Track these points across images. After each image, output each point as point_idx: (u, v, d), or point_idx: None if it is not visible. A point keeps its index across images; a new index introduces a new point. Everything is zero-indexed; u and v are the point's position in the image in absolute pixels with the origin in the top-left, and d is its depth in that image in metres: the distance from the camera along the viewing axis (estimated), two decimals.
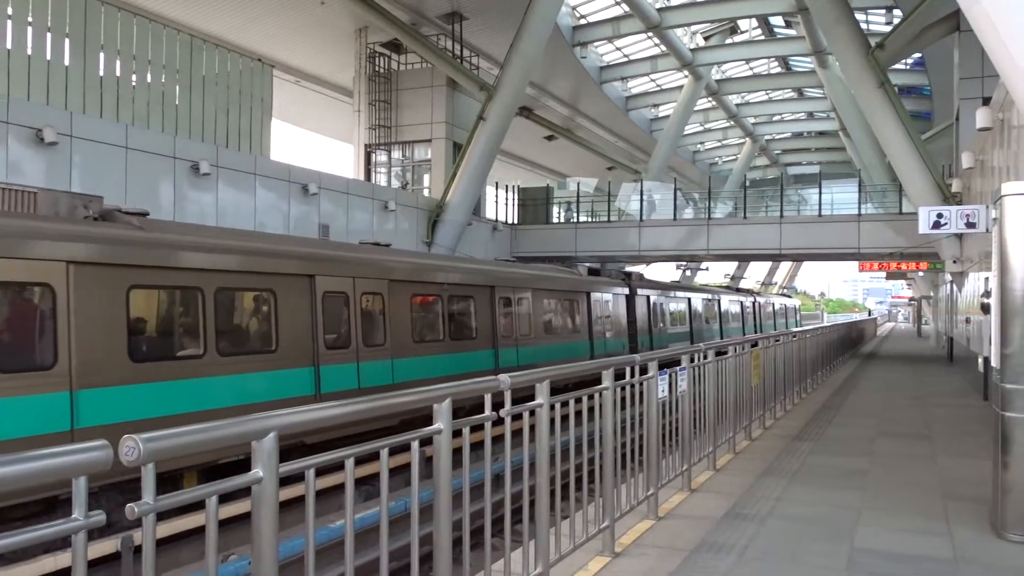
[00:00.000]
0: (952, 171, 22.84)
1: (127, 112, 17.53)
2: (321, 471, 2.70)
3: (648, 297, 25.14)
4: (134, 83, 17.99)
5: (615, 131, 43.46)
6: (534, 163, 46.85)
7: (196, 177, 17.04)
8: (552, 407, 4.38)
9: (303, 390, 10.66)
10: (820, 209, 27.66)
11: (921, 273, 35.70)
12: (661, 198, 31.81)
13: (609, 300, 21.73)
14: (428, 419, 3.44)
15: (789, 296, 63.81)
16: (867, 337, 46.06)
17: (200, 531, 7.91)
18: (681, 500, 6.73)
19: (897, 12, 27.87)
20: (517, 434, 4.27)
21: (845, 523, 6.10)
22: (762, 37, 37.60)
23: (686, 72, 37.70)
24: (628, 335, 22.85)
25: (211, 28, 25.59)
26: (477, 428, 3.78)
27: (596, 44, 34.76)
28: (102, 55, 17.20)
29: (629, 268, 32.56)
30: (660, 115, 44.54)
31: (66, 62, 16.41)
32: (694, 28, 36.11)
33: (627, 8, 31.02)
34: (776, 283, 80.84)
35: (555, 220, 32.44)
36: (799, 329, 19.63)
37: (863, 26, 26.54)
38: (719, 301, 34.16)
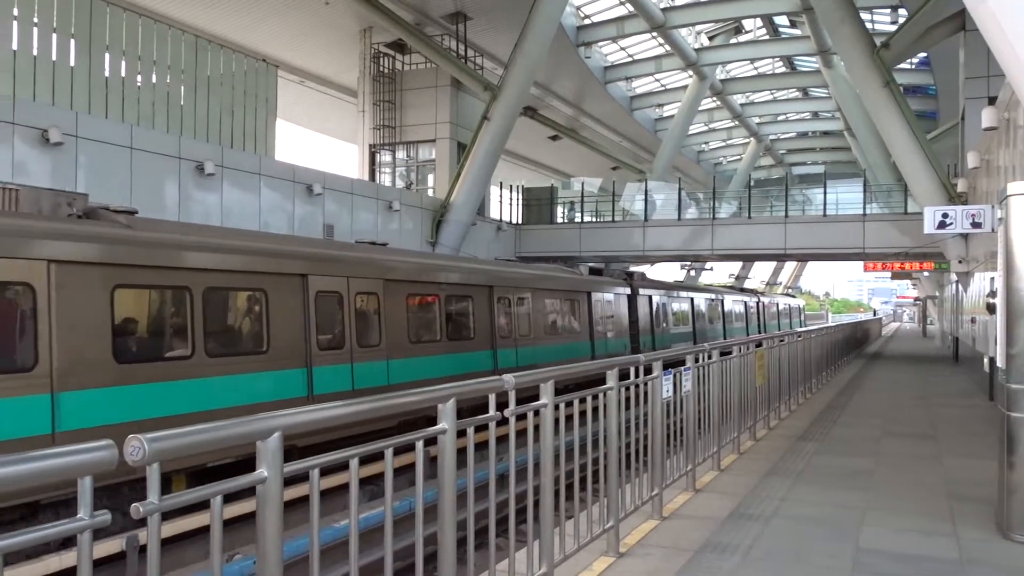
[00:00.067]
0: (957, 171, 22.79)
1: (132, 112, 17.58)
2: (325, 471, 2.70)
3: (650, 297, 25.02)
4: (139, 83, 18.04)
5: (619, 131, 43.43)
6: (538, 163, 46.84)
7: (201, 177, 17.07)
8: (556, 407, 4.38)
9: (295, 391, 10.48)
10: (825, 209, 27.60)
11: (926, 273, 35.66)
12: (664, 198, 31.75)
13: (611, 300, 21.58)
14: (427, 420, 3.44)
15: (793, 296, 63.68)
16: (872, 337, 45.98)
17: (204, 531, 7.93)
18: (686, 500, 6.72)
19: (902, 11, 27.82)
20: (521, 434, 4.27)
21: (850, 523, 6.08)
22: (767, 37, 37.56)
23: (690, 72, 37.67)
24: (630, 335, 22.71)
25: (216, 29, 25.63)
26: (481, 428, 3.78)
27: (600, 44, 34.75)
28: (107, 55, 17.25)
29: (633, 268, 32.52)
30: (664, 115, 44.51)
31: (71, 62, 16.46)
32: (698, 28, 36.07)
33: (631, 8, 31.01)
34: (781, 283, 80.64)
35: (559, 220, 32.42)
36: (804, 329, 19.59)
37: (868, 25, 26.47)
38: (722, 301, 34.05)
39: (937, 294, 46.65)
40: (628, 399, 5.57)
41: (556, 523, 4.41)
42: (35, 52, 15.84)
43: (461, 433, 3.52)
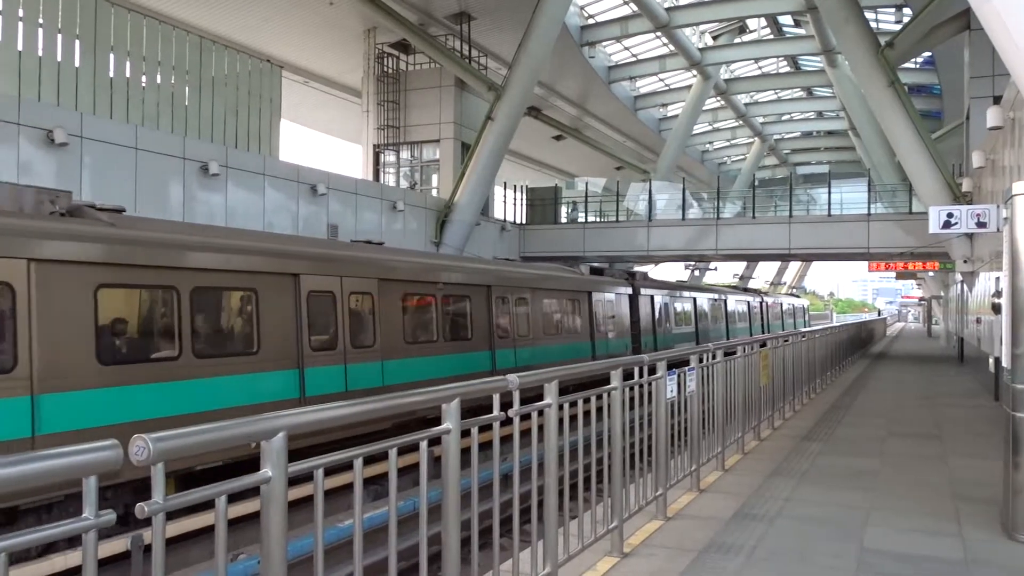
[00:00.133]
0: (962, 170, 22.75)
1: (137, 113, 17.62)
2: (329, 471, 2.70)
3: (652, 297, 24.90)
4: (144, 84, 18.08)
5: (623, 131, 43.40)
6: (542, 163, 46.83)
7: (205, 178, 17.09)
8: (560, 407, 4.37)
9: (287, 393, 10.29)
10: (829, 209, 27.55)
11: (931, 273, 35.58)
12: (668, 198, 31.71)
13: (612, 300, 21.40)
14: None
15: (798, 296, 63.58)
16: (877, 337, 45.91)
17: (209, 531, 7.94)
18: (690, 500, 6.71)
19: (907, 11, 27.75)
20: (525, 434, 4.27)
21: (854, 524, 6.07)
22: (771, 36, 37.51)
23: (695, 71, 37.63)
24: (631, 336, 22.55)
25: (220, 29, 25.67)
26: (485, 428, 3.78)
27: (604, 44, 34.71)
28: (112, 56, 17.29)
29: (637, 268, 32.48)
30: (669, 115, 44.48)
31: (76, 63, 16.50)
32: (703, 27, 36.02)
33: (635, 8, 30.98)
34: (785, 283, 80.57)
35: (563, 220, 32.42)
36: (808, 329, 19.56)
37: (872, 25, 26.42)
38: (725, 301, 33.96)
39: (942, 294, 46.57)
40: (632, 399, 5.57)
41: (560, 523, 4.41)
42: (40, 52, 15.88)
43: (464, 433, 3.52)
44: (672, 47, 34.70)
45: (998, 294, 9.82)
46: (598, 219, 32.25)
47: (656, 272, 36.64)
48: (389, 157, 29.14)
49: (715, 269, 46.97)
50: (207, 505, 2.27)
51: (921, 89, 37.08)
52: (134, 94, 17.69)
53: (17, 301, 7.44)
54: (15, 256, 7.43)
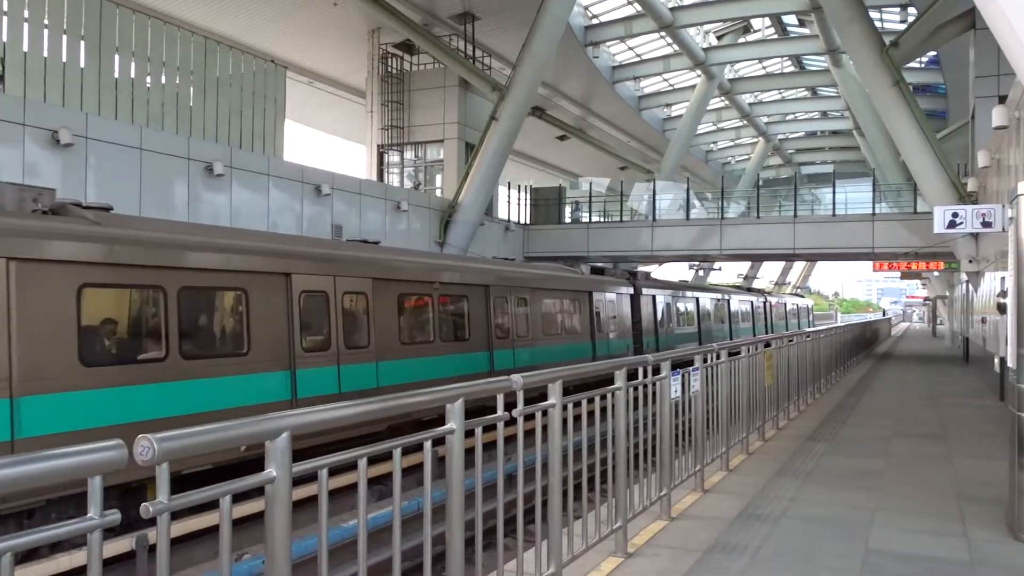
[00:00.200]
0: (968, 170, 22.68)
1: (142, 113, 17.65)
2: (333, 471, 2.71)
3: (654, 297, 24.80)
4: (148, 85, 18.11)
5: (628, 131, 43.38)
6: (546, 163, 46.82)
7: (210, 178, 17.12)
8: (564, 407, 4.37)
9: (278, 395, 10.11)
10: (834, 209, 27.48)
11: (936, 273, 35.44)
12: (672, 198, 31.68)
13: (613, 300, 21.25)
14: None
15: (802, 296, 63.48)
16: (881, 337, 45.81)
17: (213, 530, 7.95)
18: (694, 500, 6.71)
19: (912, 10, 27.70)
20: (529, 434, 4.27)
21: (859, 524, 6.06)
22: (775, 36, 37.45)
23: (699, 71, 37.59)
24: (633, 336, 22.44)
25: (224, 30, 25.72)
26: (489, 428, 3.78)
27: (608, 44, 34.71)
28: (117, 57, 17.31)
29: (642, 268, 32.48)
30: (673, 115, 44.44)
31: (82, 64, 16.53)
32: (707, 27, 35.99)
33: (639, 8, 30.97)
34: (790, 283, 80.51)
35: (567, 220, 32.40)
36: (812, 329, 19.52)
37: (877, 24, 26.39)
38: (728, 301, 33.88)
39: (947, 294, 46.44)
40: (636, 399, 5.57)
41: (564, 523, 4.41)
42: (46, 54, 15.92)
43: (469, 433, 3.52)
44: (676, 47, 34.67)
45: (1003, 294, 9.79)
46: (602, 219, 32.22)
47: (660, 272, 36.62)
48: (393, 157, 29.16)
49: (719, 269, 46.95)
50: (211, 505, 2.27)
51: (926, 88, 37.00)
52: (139, 95, 17.72)
53: None
54: None
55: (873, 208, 26.96)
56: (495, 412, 3.80)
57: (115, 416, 8.07)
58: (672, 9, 31.45)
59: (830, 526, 6.02)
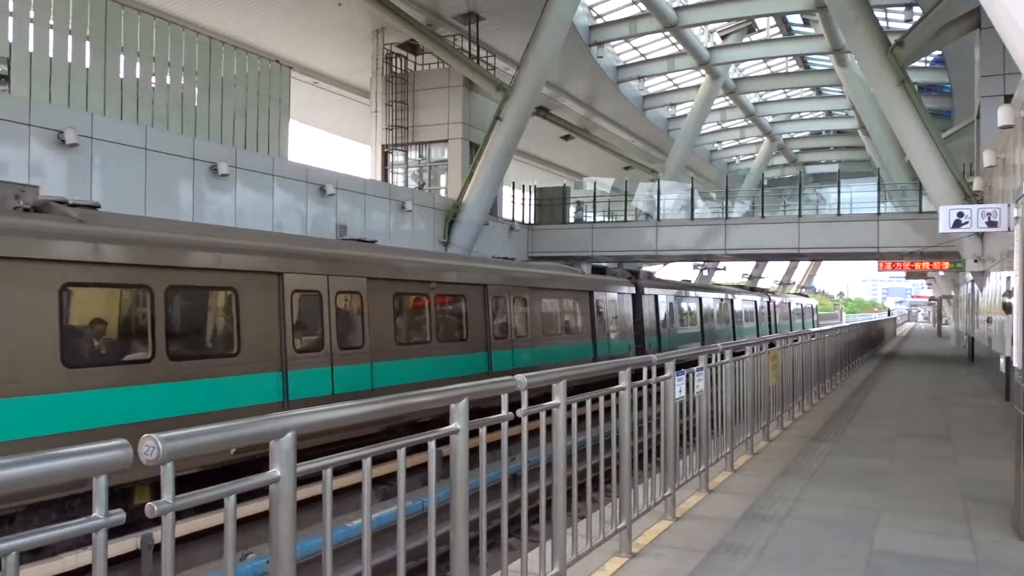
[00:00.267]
0: (973, 169, 22.64)
1: (147, 114, 17.70)
2: (337, 471, 2.71)
3: (656, 296, 24.65)
4: (153, 85, 18.16)
5: (632, 131, 43.35)
6: (551, 163, 46.82)
7: (215, 178, 17.16)
8: (569, 407, 4.37)
9: (269, 396, 9.90)
10: (839, 208, 27.42)
11: (941, 272, 35.40)
12: (677, 198, 31.65)
13: (614, 300, 21.08)
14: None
15: (806, 296, 63.38)
16: (886, 337, 45.73)
17: (218, 530, 7.95)
18: (698, 501, 6.70)
19: (917, 9, 27.65)
20: (533, 434, 4.27)
21: (864, 524, 6.05)
22: (780, 35, 37.40)
23: (703, 71, 37.55)
24: (634, 336, 22.28)
25: (229, 30, 25.75)
26: (493, 428, 3.78)
27: (613, 43, 34.69)
28: (122, 57, 17.37)
29: (646, 268, 32.44)
30: (677, 114, 44.40)
31: (87, 64, 16.59)
32: (711, 27, 35.94)
33: (644, 7, 30.95)
34: (794, 283, 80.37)
35: (572, 220, 32.39)
36: (817, 329, 19.48)
37: (882, 24, 26.31)
38: (732, 301, 33.79)
39: (952, 293, 46.34)
40: (640, 399, 5.56)
41: (568, 523, 4.40)
42: (51, 54, 15.97)
43: (473, 433, 3.52)
44: (681, 47, 34.65)
45: (1009, 293, 9.76)
46: (606, 219, 32.20)
47: (665, 272, 36.58)
48: (398, 157, 29.18)
49: (724, 269, 46.94)
50: (216, 505, 2.27)
51: (931, 88, 36.92)
52: (144, 95, 17.77)
53: None
54: None
55: (878, 208, 26.89)
56: (494, 413, 3.80)
57: (98, 419, 7.88)
58: (676, 9, 31.41)
59: (835, 526, 6.01)
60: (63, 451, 1.80)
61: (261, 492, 2.42)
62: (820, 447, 9.48)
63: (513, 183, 31.54)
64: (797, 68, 41.47)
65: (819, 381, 14.45)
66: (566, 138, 40.55)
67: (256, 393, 9.77)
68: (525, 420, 3.99)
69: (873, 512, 6.42)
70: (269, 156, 20.12)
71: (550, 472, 4.31)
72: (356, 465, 2.86)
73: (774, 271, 74.99)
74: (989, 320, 19.03)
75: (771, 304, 41.03)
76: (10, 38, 15.27)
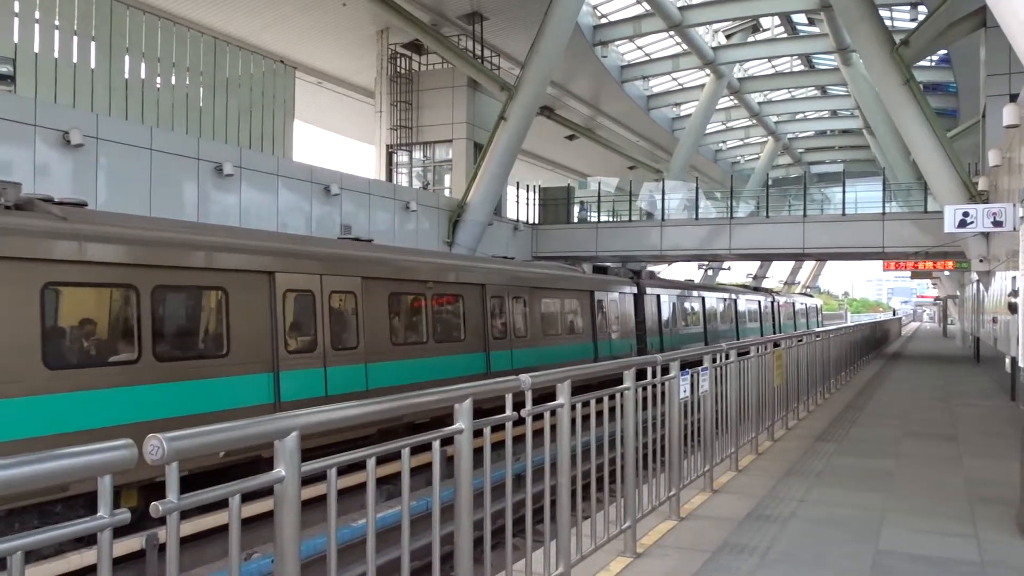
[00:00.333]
0: (978, 169, 22.57)
1: (152, 114, 17.73)
2: (341, 471, 2.71)
3: (658, 296, 24.56)
4: (159, 85, 18.19)
5: (636, 130, 43.32)
6: (555, 163, 46.82)
7: (219, 178, 17.18)
8: (573, 407, 4.37)
9: (260, 398, 9.73)
10: (844, 208, 27.36)
11: (947, 272, 35.28)
12: (681, 198, 31.61)
13: (615, 300, 20.96)
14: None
15: (811, 295, 63.28)
16: (892, 337, 45.63)
17: (223, 530, 7.96)
18: (703, 501, 6.69)
19: (922, 8, 27.58)
20: (538, 434, 4.26)
21: (870, 525, 6.04)
22: (785, 35, 37.37)
23: (708, 71, 37.52)
24: (636, 336, 22.17)
25: (234, 30, 25.81)
26: (497, 428, 3.78)
27: (617, 43, 34.65)
28: (127, 58, 17.40)
29: (650, 267, 32.42)
30: (682, 114, 44.37)
31: (92, 65, 16.62)
32: (716, 26, 35.91)
33: (648, 7, 30.92)
34: (799, 282, 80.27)
35: (576, 220, 32.38)
36: (822, 329, 19.43)
37: (887, 23, 26.27)
38: (735, 301, 33.69)
39: (958, 293, 46.22)
40: (645, 399, 5.56)
41: (573, 523, 4.40)
42: (56, 54, 16.01)
43: (477, 433, 3.52)
44: (685, 46, 34.61)
45: (1015, 293, 9.73)
46: (611, 219, 32.18)
47: (669, 272, 36.53)
48: (402, 157, 29.21)
49: (728, 269, 46.84)
50: (221, 504, 2.28)
51: (936, 87, 36.83)
52: (149, 95, 17.80)
53: None
54: None
55: (883, 207, 26.82)
56: (495, 413, 3.80)
57: (82, 422, 7.73)
58: (681, 8, 31.38)
59: (840, 527, 6.00)
60: (68, 451, 1.80)
61: (265, 492, 2.42)
62: (825, 447, 9.46)
63: (517, 183, 31.53)
64: (802, 67, 41.42)
65: (824, 381, 14.42)
66: (570, 138, 40.55)
67: (246, 395, 9.61)
68: (529, 420, 3.99)
69: (878, 512, 6.41)
70: (274, 156, 20.15)
71: (554, 472, 4.31)
72: (359, 465, 2.86)
73: (779, 271, 74.95)
74: (995, 320, 18.98)
75: (775, 304, 40.93)
76: (16, 38, 15.31)
